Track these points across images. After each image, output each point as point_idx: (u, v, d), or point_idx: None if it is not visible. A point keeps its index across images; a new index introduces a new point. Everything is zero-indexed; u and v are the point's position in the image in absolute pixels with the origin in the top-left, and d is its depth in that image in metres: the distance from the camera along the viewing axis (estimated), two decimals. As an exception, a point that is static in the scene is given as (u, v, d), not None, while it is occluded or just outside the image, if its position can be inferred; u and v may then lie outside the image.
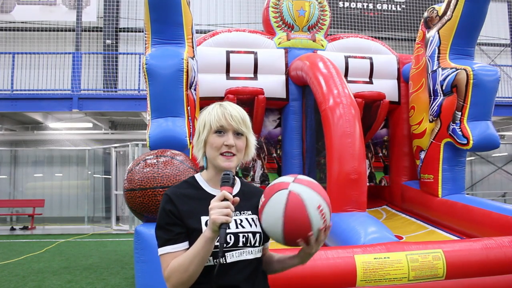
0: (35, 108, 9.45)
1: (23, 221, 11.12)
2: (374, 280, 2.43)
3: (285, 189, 1.22)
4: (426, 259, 2.54)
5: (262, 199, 1.28)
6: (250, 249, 1.27)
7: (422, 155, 4.33)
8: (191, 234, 1.23)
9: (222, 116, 1.29)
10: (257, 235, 1.29)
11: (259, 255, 1.31)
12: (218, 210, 1.11)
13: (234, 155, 1.29)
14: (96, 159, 12.14)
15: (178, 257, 1.20)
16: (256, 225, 1.30)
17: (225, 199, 1.14)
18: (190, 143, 3.26)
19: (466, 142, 3.79)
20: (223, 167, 1.27)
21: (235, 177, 1.32)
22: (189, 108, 3.40)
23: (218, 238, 1.13)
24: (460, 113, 3.86)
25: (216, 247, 1.17)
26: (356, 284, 2.42)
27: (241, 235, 1.26)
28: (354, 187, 3.28)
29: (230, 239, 1.24)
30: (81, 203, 11.43)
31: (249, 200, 1.34)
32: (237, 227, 1.27)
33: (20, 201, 11.36)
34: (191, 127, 3.35)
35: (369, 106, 4.64)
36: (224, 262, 1.23)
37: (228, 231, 1.23)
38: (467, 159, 7.39)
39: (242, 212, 1.31)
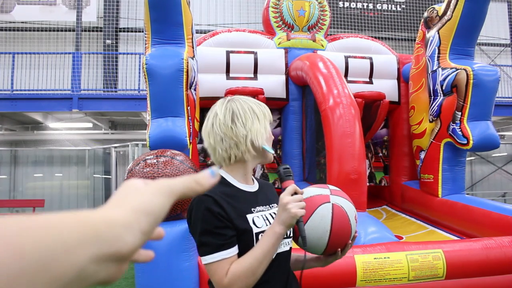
0: (35, 108, 9.44)
1: (23, 221, 11.11)
2: (374, 280, 2.43)
3: (328, 202, 1.24)
4: (426, 259, 2.54)
5: None
6: (286, 240, 1.26)
7: (422, 155, 4.33)
8: (241, 235, 1.15)
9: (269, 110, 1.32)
10: None
11: (291, 245, 1.31)
12: (295, 204, 1.10)
13: None
14: (96, 159, 12.14)
15: (239, 261, 1.11)
16: None
17: (295, 192, 1.14)
18: (190, 143, 3.26)
19: (466, 142, 3.79)
20: (271, 159, 1.30)
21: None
22: (189, 108, 3.40)
23: (299, 231, 1.14)
24: (460, 113, 3.86)
25: None
26: (356, 284, 2.42)
27: None
28: (354, 187, 3.28)
29: None
30: (81, 203, 11.42)
31: (270, 193, 1.35)
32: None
33: (20, 201, 11.36)
34: (191, 127, 3.35)
35: (369, 106, 4.64)
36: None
37: (267, 227, 1.23)
38: (467, 159, 7.39)
39: (271, 205, 1.30)
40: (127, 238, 0.40)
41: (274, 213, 1.26)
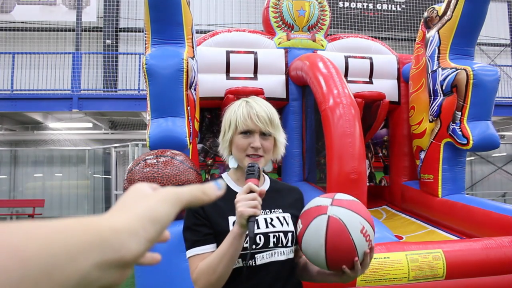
0: (35, 108, 9.45)
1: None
2: (374, 280, 2.43)
3: (323, 214, 1.15)
4: (426, 259, 2.54)
5: (300, 225, 1.20)
6: (282, 249, 1.20)
7: (422, 155, 4.33)
8: (218, 235, 1.17)
9: (248, 116, 1.22)
10: (289, 234, 1.22)
11: (291, 255, 1.24)
12: (244, 203, 1.05)
13: (260, 156, 1.23)
14: (96, 159, 12.14)
15: (206, 258, 1.14)
16: (288, 224, 1.24)
17: (251, 191, 1.08)
18: (190, 143, 3.26)
19: (466, 142, 3.79)
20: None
21: (264, 173, 1.31)
22: (189, 108, 3.40)
23: (248, 233, 1.06)
24: (460, 113, 3.86)
25: (245, 248, 1.12)
26: (356, 284, 2.42)
27: (271, 234, 1.20)
28: (354, 187, 3.28)
29: (260, 240, 1.18)
30: (81, 203, 11.43)
31: (279, 198, 1.29)
32: (267, 227, 1.21)
33: (20, 201, 11.37)
34: (191, 127, 3.35)
35: (369, 106, 4.64)
36: (254, 265, 1.18)
37: (257, 231, 1.18)
38: (467, 159, 7.38)
39: (272, 210, 1.25)
40: (132, 245, 0.40)
41: (271, 218, 1.22)
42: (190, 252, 1.18)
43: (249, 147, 1.22)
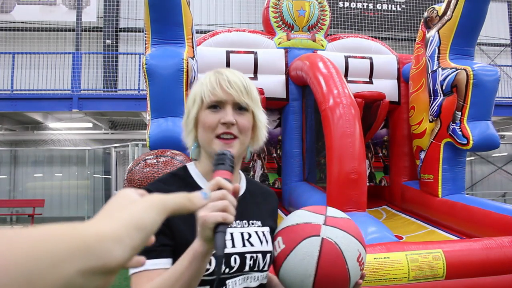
0: (35, 108, 9.45)
1: (23, 221, 11.12)
2: (374, 280, 2.43)
3: (316, 235, 0.90)
4: (426, 259, 2.54)
5: (280, 245, 0.93)
6: (257, 274, 0.93)
7: (422, 155, 4.33)
8: (179, 248, 0.83)
9: (216, 84, 0.91)
10: (268, 255, 0.94)
11: (264, 281, 0.97)
12: (209, 204, 0.71)
13: (235, 137, 0.92)
14: (96, 159, 12.14)
15: (156, 279, 0.79)
16: (267, 242, 0.96)
17: (220, 188, 0.74)
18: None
19: (466, 142, 3.79)
20: (215, 151, 0.91)
21: (239, 170, 1.02)
22: (189, 108, 3.40)
23: (214, 251, 0.72)
24: (460, 113, 3.86)
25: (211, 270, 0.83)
26: (356, 284, 2.42)
27: (248, 255, 0.91)
28: (354, 187, 3.28)
29: (235, 262, 0.89)
30: (81, 203, 11.43)
31: (257, 205, 1.00)
32: (244, 245, 0.92)
33: (20, 201, 11.37)
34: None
35: (369, 106, 4.64)
36: None
37: (232, 250, 0.88)
38: (467, 159, 7.38)
39: (250, 222, 0.96)
40: (116, 252, 0.40)
41: (249, 234, 0.94)
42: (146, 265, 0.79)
43: (219, 124, 0.91)
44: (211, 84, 0.92)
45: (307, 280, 0.88)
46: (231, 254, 0.89)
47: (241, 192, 0.98)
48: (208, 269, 0.85)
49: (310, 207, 1.01)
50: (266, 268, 0.95)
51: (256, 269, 0.92)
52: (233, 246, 0.89)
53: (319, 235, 0.90)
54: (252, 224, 0.95)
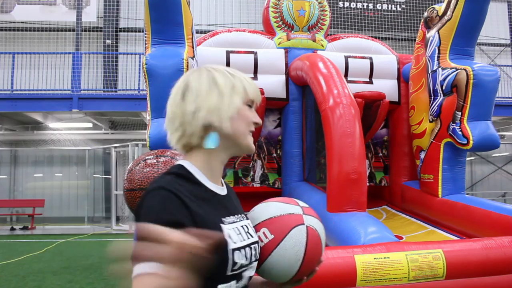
0: (35, 108, 9.46)
1: (23, 221, 11.12)
2: (374, 280, 2.43)
3: (302, 224, 1.00)
4: (426, 259, 2.53)
5: (268, 235, 0.98)
6: (255, 264, 0.97)
7: (422, 155, 4.33)
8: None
9: (254, 84, 0.98)
10: (257, 245, 0.99)
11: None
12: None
13: None
14: (96, 159, 12.15)
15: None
16: (255, 233, 1.00)
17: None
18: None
19: (466, 142, 3.79)
20: (251, 150, 0.98)
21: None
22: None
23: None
24: (460, 113, 3.86)
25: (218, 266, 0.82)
26: (356, 284, 2.42)
27: (253, 246, 0.94)
28: (354, 187, 3.28)
29: (250, 253, 0.92)
30: (81, 203, 11.43)
31: (236, 200, 1.06)
32: (249, 237, 0.94)
33: (20, 201, 11.37)
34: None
35: (369, 106, 4.64)
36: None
37: (245, 243, 0.91)
38: (467, 159, 7.39)
39: (241, 216, 0.99)
40: None
41: (247, 226, 0.97)
42: (144, 267, 0.70)
43: (252, 123, 0.97)
44: (251, 82, 0.97)
45: (296, 264, 0.98)
46: (245, 246, 0.91)
47: (226, 192, 1.01)
48: (236, 263, 0.87)
49: (282, 198, 1.08)
50: (257, 257, 0.99)
51: (254, 260, 0.96)
52: (247, 238, 0.93)
53: (304, 224, 1.00)
54: (243, 217, 0.99)
